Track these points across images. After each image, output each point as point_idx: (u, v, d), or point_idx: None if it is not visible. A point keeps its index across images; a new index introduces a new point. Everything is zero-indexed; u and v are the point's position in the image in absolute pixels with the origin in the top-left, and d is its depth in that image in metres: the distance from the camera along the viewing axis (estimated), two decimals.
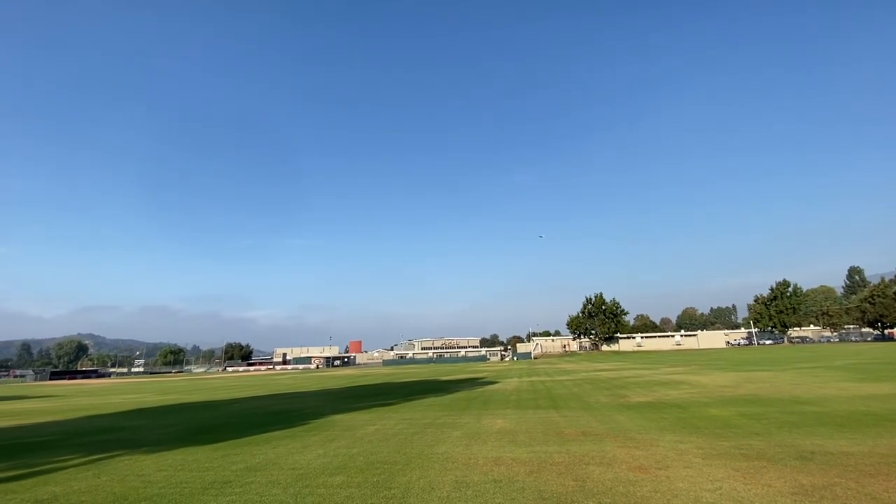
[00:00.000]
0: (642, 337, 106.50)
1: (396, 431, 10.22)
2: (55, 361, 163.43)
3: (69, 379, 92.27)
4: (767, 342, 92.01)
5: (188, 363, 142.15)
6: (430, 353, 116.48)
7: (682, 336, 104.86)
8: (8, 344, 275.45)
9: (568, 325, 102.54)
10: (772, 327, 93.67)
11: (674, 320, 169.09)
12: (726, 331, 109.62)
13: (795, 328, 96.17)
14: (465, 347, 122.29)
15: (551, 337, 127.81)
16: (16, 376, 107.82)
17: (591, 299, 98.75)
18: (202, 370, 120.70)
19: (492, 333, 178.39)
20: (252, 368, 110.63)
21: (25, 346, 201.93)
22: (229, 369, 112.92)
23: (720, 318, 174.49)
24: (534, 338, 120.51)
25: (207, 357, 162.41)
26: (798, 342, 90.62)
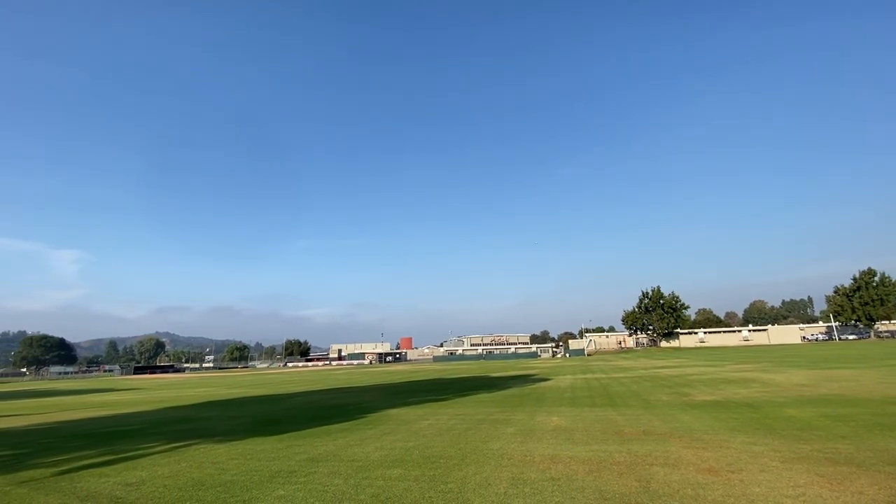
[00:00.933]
0: (705, 332, 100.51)
1: (450, 426, 10.29)
2: (137, 357, 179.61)
3: (150, 373, 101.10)
4: (850, 337, 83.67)
5: (252, 359, 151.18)
6: (480, 349, 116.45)
7: (750, 331, 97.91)
8: (98, 342, 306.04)
9: (623, 320, 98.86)
10: (855, 321, 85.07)
11: (740, 314, 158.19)
12: (801, 325, 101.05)
13: (884, 321, 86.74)
14: (515, 344, 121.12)
15: (605, 333, 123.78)
16: (105, 371, 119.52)
17: (647, 293, 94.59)
18: (265, 365, 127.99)
19: (542, 329, 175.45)
20: (310, 364, 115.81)
21: (112, 344, 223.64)
22: (289, 365, 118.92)
23: (794, 312, 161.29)
24: (587, 334, 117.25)
25: (269, 353, 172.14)
26: (888, 337, 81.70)
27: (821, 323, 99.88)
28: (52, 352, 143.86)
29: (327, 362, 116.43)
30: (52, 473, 7.23)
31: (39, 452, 9.27)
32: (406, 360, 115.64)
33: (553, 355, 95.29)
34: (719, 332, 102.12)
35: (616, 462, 6.61)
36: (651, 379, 22.33)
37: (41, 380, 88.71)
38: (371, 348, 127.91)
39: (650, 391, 16.62)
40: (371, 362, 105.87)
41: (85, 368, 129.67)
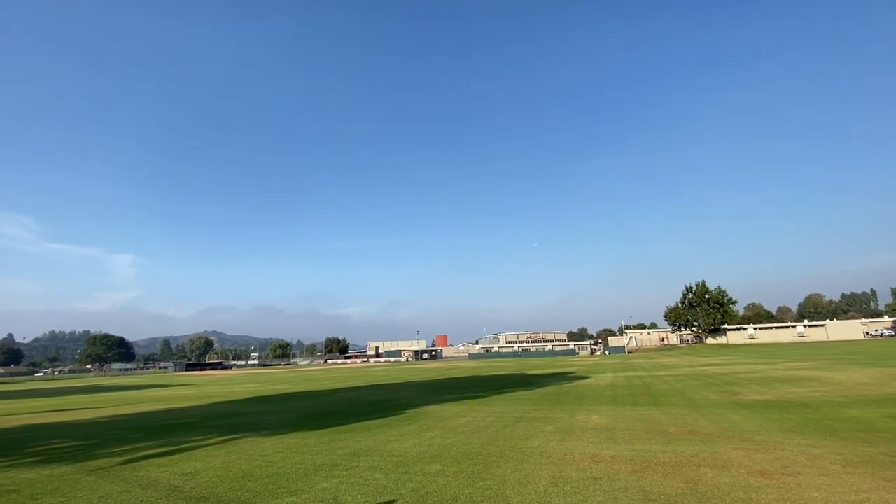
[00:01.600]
0: (755, 328, 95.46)
1: (487, 424, 10.29)
2: (188, 355, 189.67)
3: (200, 370, 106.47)
4: None
5: (294, 356, 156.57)
6: (516, 346, 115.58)
7: (805, 327, 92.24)
8: (153, 340, 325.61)
9: (666, 316, 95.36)
10: None
11: (794, 309, 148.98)
12: (864, 320, 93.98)
13: None
14: (552, 341, 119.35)
15: (646, 329, 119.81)
16: (160, 368, 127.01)
17: (691, 288, 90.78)
18: (306, 363, 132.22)
19: (580, 327, 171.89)
20: (349, 361, 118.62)
21: (166, 342, 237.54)
22: (329, 362, 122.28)
23: (855, 306, 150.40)
24: (627, 331, 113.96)
25: (310, 351, 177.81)
26: None
27: (886, 318, 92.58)
28: (112, 350, 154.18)
29: (365, 360, 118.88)
30: (116, 463, 7.78)
31: (105, 443, 9.99)
32: (441, 357, 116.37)
33: (591, 353, 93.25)
34: (771, 328, 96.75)
35: (661, 462, 6.41)
36: (697, 377, 21.46)
37: (104, 376, 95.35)
38: (407, 346, 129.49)
39: (696, 390, 15.98)
40: (407, 360, 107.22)
41: (142, 365, 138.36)
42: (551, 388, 18.90)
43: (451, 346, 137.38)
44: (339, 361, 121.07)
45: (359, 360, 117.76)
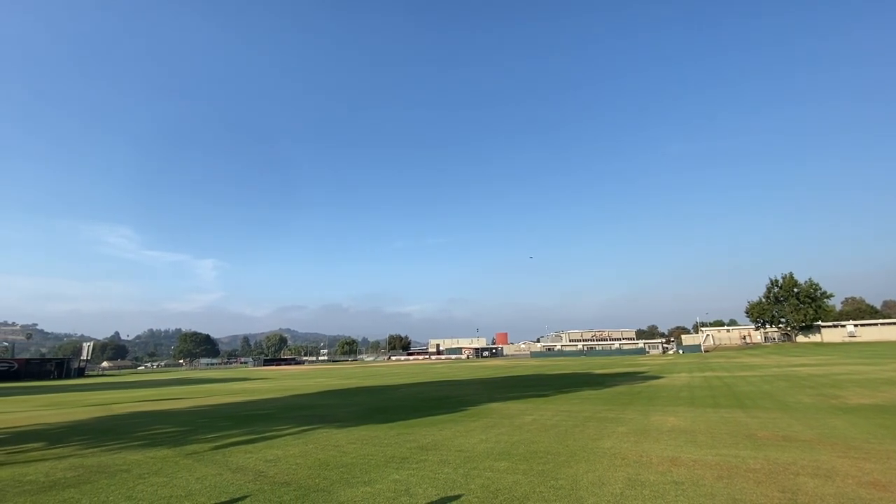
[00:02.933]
0: (855, 325, 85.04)
1: (555, 423, 10.04)
2: (265, 351, 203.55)
3: (276, 365, 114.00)
4: None
5: (359, 353, 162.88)
6: (580, 345, 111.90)
7: None
8: (234, 337, 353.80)
9: (748, 312, 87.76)
10: None
11: None
12: None
13: None
14: (619, 340, 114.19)
15: (725, 327, 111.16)
16: (241, 363, 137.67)
17: (776, 281, 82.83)
18: (371, 359, 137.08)
19: (650, 324, 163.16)
20: (411, 358, 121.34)
21: (245, 339, 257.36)
22: (392, 358, 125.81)
23: None
24: (703, 328, 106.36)
25: (374, 347, 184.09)
26: None
27: None
28: (200, 346, 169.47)
29: (427, 356, 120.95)
30: (209, 448, 8.51)
31: (198, 430, 10.97)
32: (502, 355, 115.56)
33: (663, 352, 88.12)
34: (875, 324, 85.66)
35: (751, 469, 5.89)
36: (787, 378, 19.55)
37: (193, 369, 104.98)
38: (467, 343, 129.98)
39: (787, 392, 14.55)
40: (468, 357, 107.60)
41: (226, 360, 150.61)
42: (621, 388, 18.08)
43: (512, 343, 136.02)
44: (402, 358, 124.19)
45: (420, 357, 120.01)
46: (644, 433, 8.55)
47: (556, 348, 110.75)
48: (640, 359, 59.21)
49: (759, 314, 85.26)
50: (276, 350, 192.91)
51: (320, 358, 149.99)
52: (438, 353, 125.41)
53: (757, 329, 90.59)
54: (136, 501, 5.32)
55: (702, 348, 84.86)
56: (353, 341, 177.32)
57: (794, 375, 20.84)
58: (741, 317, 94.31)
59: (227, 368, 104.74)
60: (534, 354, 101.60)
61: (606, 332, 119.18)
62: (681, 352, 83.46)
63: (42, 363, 70.91)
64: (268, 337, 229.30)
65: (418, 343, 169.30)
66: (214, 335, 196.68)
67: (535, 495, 5.05)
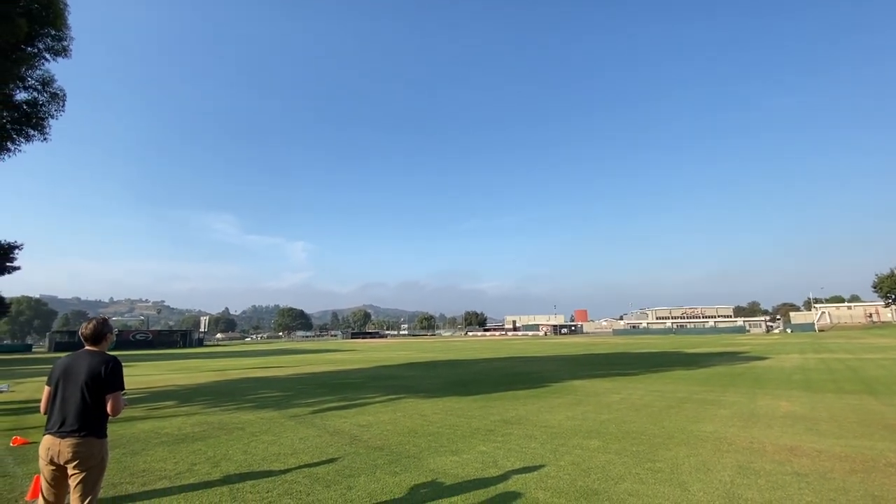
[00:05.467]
0: None
1: (646, 403, 9.48)
2: (351, 325, 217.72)
3: (362, 338, 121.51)
4: None
5: (437, 328, 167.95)
6: (668, 322, 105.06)
7: None
8: (324, 312, 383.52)
9: (876, 286, 75.68)
10: None
11: None
12: None
13: None
14: (714, 317, 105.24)
15: (846, 303, 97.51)
16: (331, 335, 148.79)
17: None
18: (448, 334, 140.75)
19: (750, 301, 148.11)
20: (487, 334, 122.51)
21: (334, 314, 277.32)
22: (469, 334, 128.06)
23: None
24: (817, 305, 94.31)
25: (451, 323, 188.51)
26: None
27: None
28: (296, 320, 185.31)
29: (503, 332, 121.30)
30: (308, 412, 9.26)
31: (298, 395, 12.00)
32: (581, 332, 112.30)
33: (768, 330, 79.91)
34: None
35: (892, 464, 5.07)
36: None
37: (291, 341, 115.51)
38: (545, 320, 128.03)
39: None
40: (546, 334, 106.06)
41: (318, 333, 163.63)
42: (720, 369, 16.63)
43: (592, 321, 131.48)
44: (479, 333, 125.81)
45: (497, 333, 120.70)
46: (752, 418, 7.75)
47: (641, 326, 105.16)
48: (739, 338, 54.17)
49: (891, 288, 73.25)
50: (361, 324, 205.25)
51: (401, 332, 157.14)
52: (515, 329, 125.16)
53: (887, 306, 78.13)
54: (251, 456, 5.92)
55: (815, 327, 75.58)
56: (431, 317, 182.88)
57: None
58: (865, 292, 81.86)
59: (319, 340, 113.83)
60: (616, 332, 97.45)
61: (699, 310, 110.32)
62: (789, 331, 75.13)
63: (170, 334, 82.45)
64: (353, 312, 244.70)
65: (494, 320, 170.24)
66: (307, 310, 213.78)
67: (631, 476, 4.78)
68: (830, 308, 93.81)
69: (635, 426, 7.23)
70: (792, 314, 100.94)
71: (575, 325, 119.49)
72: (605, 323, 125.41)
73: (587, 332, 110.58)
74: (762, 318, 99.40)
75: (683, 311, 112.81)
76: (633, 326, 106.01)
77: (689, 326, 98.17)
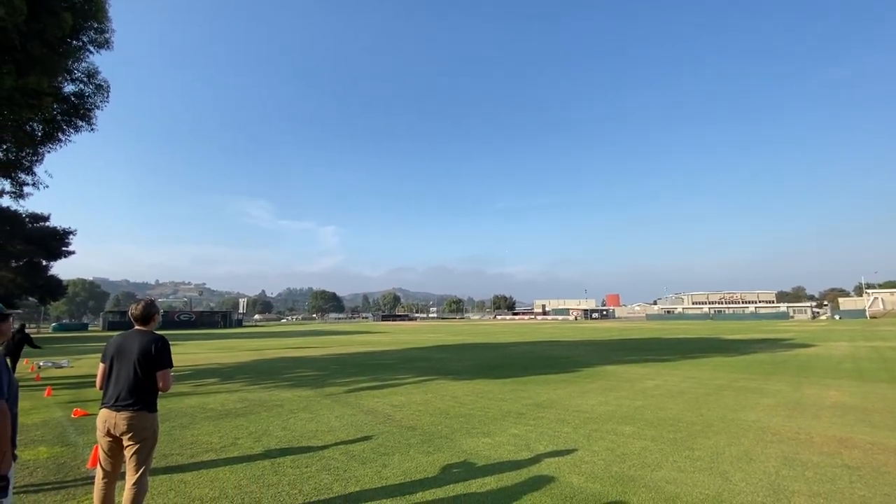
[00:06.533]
0: None
1: (683, 389, 9.23)
2: (381, 307, 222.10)
3: (392, 320, 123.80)
4: None
5: (465, 311, 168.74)
6: (705, 307, 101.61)
7: None
8: (356, 295, 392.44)
9: None
10: None
11: None
12: None
13: None
14: (755, 302, 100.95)
15: None
16: (363, 317, 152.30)
17: None
18: (477, 317, 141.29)
19: (794, 286, 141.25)
20: (516, 317, 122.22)
21: (364, 297, 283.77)
22: (498, 317, 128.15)
23: None
24: (869, 290, 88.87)
25: (479, 307, 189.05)
26: None
27: None
28: (329, 302, 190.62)
29: (532, 316, 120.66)
30: (343, 391, 9.52)
31: (333, 375, 12.36)
32: (613, 317, 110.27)
33: (813, 317, 76.21)
34: None
35: None
36: None
37: (324, 322, 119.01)
38: (575, 304, 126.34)
39: None
40: (576, 318, 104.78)
41: (349, 315, 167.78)
42: (761, 356, 15.99)
43: (624, 305, 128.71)
44: (507, 317, 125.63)
45: (526, 317, 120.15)
46: (798, 407, 7.41)
47: (676, 311, 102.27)
48: (782, 324, 51.87)
49: None
50: (391, 307, 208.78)
51: (430, 315, 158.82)
52: (544, 313, 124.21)
53: None
54: (290, 432, 6.15)
55: (867, 313, 71.42)
56: (459, 300, 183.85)
57: None
58: None
59: (351, 322, 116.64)
60: (650, 317, 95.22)
61: (738, 294, 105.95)
62: (837, 317, 71.40)
63: (211, 315, 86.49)
64: (383, 295, 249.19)
65: (522, 304, 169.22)
66: (339, 293, 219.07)
67: (668, 464, 4.67)
68: (884, 294, 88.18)
69: (672, 413, 7.06)
70: (840, 300, 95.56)
71: (606, 310, 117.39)
72: (637, 308, 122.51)
73: (619, 317, 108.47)
74: (807, 304, 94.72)
75: (721, 295, 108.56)
76: (668, 311, 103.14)
77: (727, 312, 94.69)
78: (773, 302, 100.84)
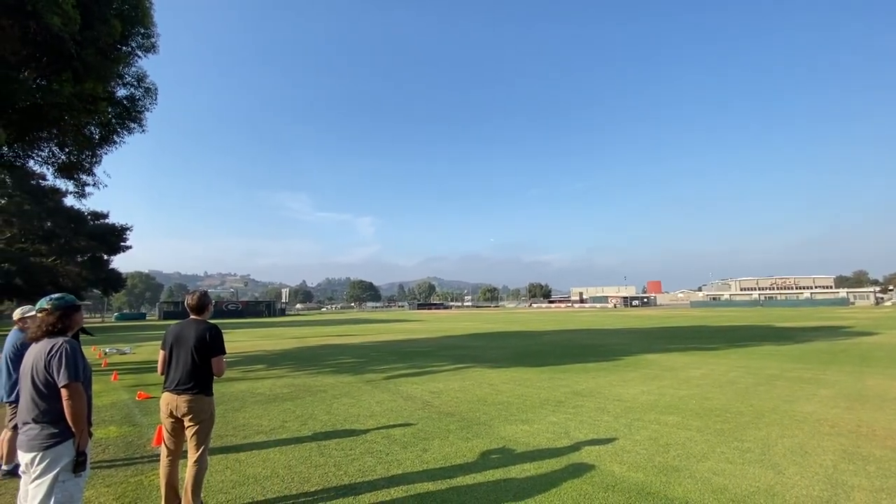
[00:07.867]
0: None
1: (730, 379, 8.88)
2: (417, 296, 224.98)
3: (427, 309, 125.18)
4: None
5: (500, 300, 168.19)
6: (755, 294, 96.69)
7: None
8: (391, 284, 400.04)
9: None
10: None
11: None
12: None
13: None
14: (810, 288, 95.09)
15: None
16: (399, 306, 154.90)
17: None
18: (512, 305, 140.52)
19: (855, 270, 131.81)
20: (552, 305, 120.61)
21: (400, 286, 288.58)
22: (534, 305, 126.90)
23: None
24: None
25: (514, 295, 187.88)
26: None
27: None
28: (366, 292, 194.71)
29: (569, 304, 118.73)
30: (382, 377, 9.77)
31: (372, 362, 12.69)
32: (655, 304, 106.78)
33: (877, 302, 71.07)
34: None
35: None
36: None
37: (362, 311, 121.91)
38: (614, 292, 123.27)
39: None
40: (615, 306, 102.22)
41: (386, 304, 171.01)
42: (818, 344, 15.10)
43: (667, 293, 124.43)
44: (543, 305, 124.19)
45: (562, 305, 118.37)
46: (859, 399, 6.98)
47: (722, 298, 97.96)
48: (841, 311, 48.66)
49: None
50: (426, 296, 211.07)
51: (464, 304, 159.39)
52: (581, 301, 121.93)
53: None
54: (334, 416, 6.40)
55: None
56: (494, 289, 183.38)
57: None
58: None
59: (388, 311, 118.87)
60: (694, 304, 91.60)
61: (792, 280, 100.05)
62: None
63: (256, 304, 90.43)
64: (418, 284, 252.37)
65: (559, 292, 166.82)
66: (376, 282, 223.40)
67: (715, 455, 4.53)
68: None
69: (719, 403, 6.82)
70: None
71: (647, 297, 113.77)
72: (681, 295, 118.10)
73: (661, 305, 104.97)
74: (870, 289, 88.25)
75: (773, 281, 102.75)
76: (714, 298, 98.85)
77: (779, 298, 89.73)
78: (830, 287, 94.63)
